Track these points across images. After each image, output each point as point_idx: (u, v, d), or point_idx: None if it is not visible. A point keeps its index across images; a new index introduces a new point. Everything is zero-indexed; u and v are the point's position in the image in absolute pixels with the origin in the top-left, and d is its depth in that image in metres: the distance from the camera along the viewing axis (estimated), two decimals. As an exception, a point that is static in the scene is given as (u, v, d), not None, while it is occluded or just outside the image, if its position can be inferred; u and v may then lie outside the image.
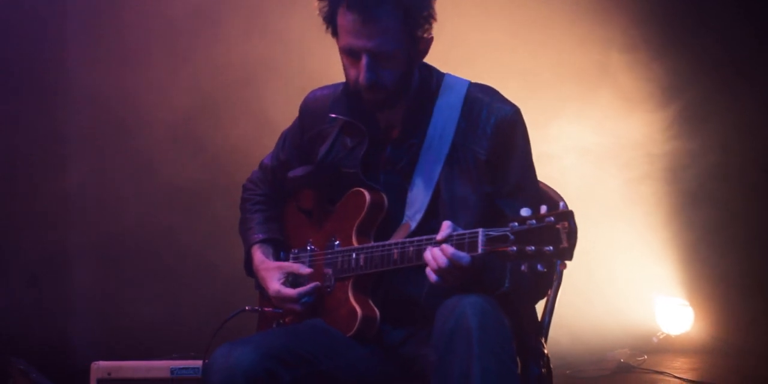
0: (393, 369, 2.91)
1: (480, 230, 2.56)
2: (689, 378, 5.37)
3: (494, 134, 2.87)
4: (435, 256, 2.62)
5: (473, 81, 2.99)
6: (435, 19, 2.84)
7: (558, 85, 6.09)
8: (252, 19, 5.88)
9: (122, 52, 5.82)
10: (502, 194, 2.87)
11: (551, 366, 2.96)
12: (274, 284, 3.04)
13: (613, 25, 6.11)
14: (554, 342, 3.25)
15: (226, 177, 5.44)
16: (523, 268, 2.47)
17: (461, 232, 2.61)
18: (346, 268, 2.92)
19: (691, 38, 6.10)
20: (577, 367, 5.63)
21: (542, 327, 3.10)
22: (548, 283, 3.03)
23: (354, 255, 2.90)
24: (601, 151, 6.12)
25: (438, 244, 2.63)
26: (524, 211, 2.48)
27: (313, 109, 3.12)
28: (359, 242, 2.91)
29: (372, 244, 2.88)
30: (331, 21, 2.85)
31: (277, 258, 3.17)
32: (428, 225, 2.84)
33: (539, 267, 2.45)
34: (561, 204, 2.45)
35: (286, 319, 3.12)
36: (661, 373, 5.53)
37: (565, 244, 2.40)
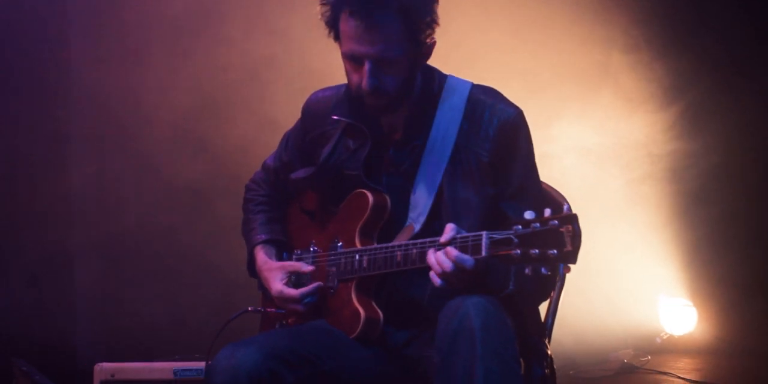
0: (396, 370, 2.91)
1: (484, 233, 2.55)
2: (693, 378, 5.36)
3: (497, 136, 2.87)
4: (439, 259, 2.62)
5: (475, 82, 2.98)
6: (438, 24, 2.83)
7: (559, 85, 6.08)
8: (253, 18, 5.87)
9: (123, 51, 5.81)
10: (505, 196, 2.87)
11: (554, 367, 2.96)
12: (277, 284, 3.03)
13: (615, 25, 6.10)
14: (557, 343, 3.24)
15: (227, 177, 5.44)
16: (527, 271, 2.47)
17: (465, 234, 2.61)
18: (349, 270, 2.91)
19: (692, 38, 6.10)
20: (581, 367, 5.63)
21: (545, 328, 3.10)
22: (552, 285, 3.04)
23: (357, 256, 2.89)
24: (603, 151, 6.12)
25: (441, 246, 2.63)
26: (528, 215, 2.48)
27: (315, 111, 3.12)
28: (362, 244, 2.91)
29: (375, 245, 2.88)
30: (333, 26, 2.84)
31: (280, 259, 3.17)
32: (431, 227, 2.84)
33: (543, 270, 2.45)
34: (565, 207, 2.45)
35: (289, 320, 3.12)
36: (665, 373, 5.52)
37: (569, 248, 2.40)
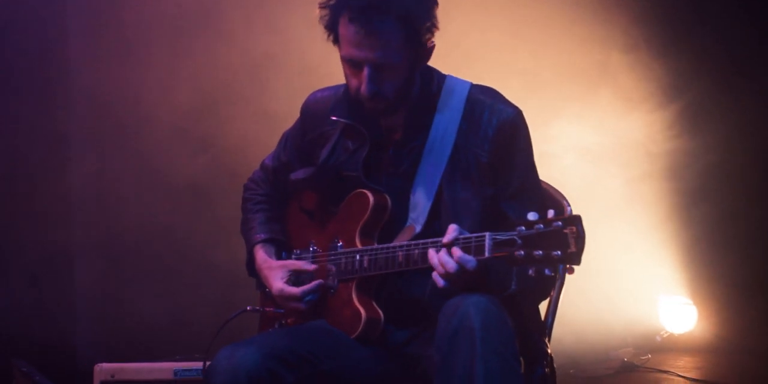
0: (396, 369, 2.91)
1: (487, 234, 2.55)
2: (693, 377, 5.37)
3: (496, 136, 2.87)
4: (442, 259, 2.62)
5: (474, 81, 2.98)
6: (437, 28, 2.84)
7: (558, 84, 6.08)
8: (253, 16, 5.87)
9: (123, 51, 5.81)
10: (505, 196, 2.87)
11: (555, 365, 2.96)
12: (278, 283, 3.03)
13: (614, 24, 6.10)
14: (557, 341, 3.24)
15: (228, 176, 5.44)
16: (530, 272, 2.47)
17: (467, 235, 2.61)
18: (350, 270, 2.91)
19: (691, 38, 6.10)
20: (581, 366, 5.63)
21: (545, 326, 3.10)
22: (552, 284, 3.04)
23: (358, 256, 2.89)
24: (602, 150, 6.12)
25: (444, 247, 2.63)
26: (531, 216, 2.48)
27: (314, 111, 3.12)
28: (363, 244, 2.91)
29: (376, 246, 2.88)
30: (332, 29, 2.84)
31: (279, 258, 3.17)
32: (432, 228, 2.84)
33: (547, 271, 2.45)
34: (568, 209, 2.45)
35: (289, 320, 3.12)
36: (665, 372, 5.53)
37: (573, 249, 2.40)
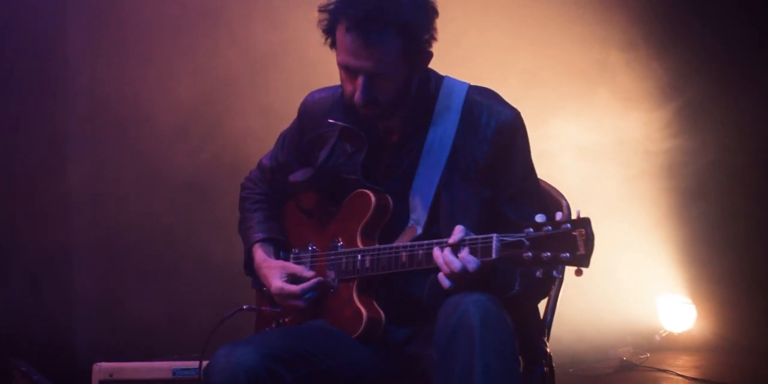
0: (395, 368, 2.92)
1: (494, 235, 2.56)
2: (692, 376, 5.37)
3: (495, 138, 2.86)
4: (447, 260, 2.62)
5: (473, 80, 2.98)
6: (436, 40, 2.83)
7: (557, 83, 6.08)
8: (253, 14, 5.86)
9: (122, 51, 5.81)
10: (504, 198, 2.87)
11: (553, 364, 2.97)
12: (277, 281, 3.03)
13: (613, 23, 6.10)
14: (556, 340, 3.24)
15: (228, 175, 5.43)
16: (538, 274, 2.47)
17: (474, 236, 2.62)
18: (351, 270, 2.91)
19: (690, 37, 6.10)
20: (580, 365, 5.63)
21: (544, 325, 3.10)
22: (553, 284, 3.04)
23: (359, 256, 2.89)
24: (600, 149, 6.12)
25: (449, 247, 2.63)
26: (539, 217, 2.48)
27: (312, 112, 3.12)
28: (364, 244, 2.91)
29: (378, 246, 2.88)
30: (330, 34, 2.84)
31: (278, 258, 3.16)
32: (432, 229, 2.84)
33: (555, 273, 2.46)
34: (577, 211, 2.45)
35: (286, 319, 3.12)
36: (664, 371, 5.53)
37: (582, 251, 2.41)
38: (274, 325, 3.15)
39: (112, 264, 5.77)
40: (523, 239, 2.48)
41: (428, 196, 2.87)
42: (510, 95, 2.98)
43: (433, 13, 2.82)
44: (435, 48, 2.87)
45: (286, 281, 3.03)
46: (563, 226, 2.43)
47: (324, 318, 2.98)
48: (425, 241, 2.74)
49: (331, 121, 3.01)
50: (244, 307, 3.19)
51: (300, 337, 2.84)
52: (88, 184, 5.77)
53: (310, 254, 3.09)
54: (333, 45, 2.85)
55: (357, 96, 2.80)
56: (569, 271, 2.48)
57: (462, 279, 2.61)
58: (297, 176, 3.11)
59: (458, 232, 2.64)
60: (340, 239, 2.98)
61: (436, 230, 2.80)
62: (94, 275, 5.74)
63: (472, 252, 2.58)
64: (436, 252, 2.65)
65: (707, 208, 6.07)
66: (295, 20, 5.64)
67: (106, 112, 5.80)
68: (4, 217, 5.35)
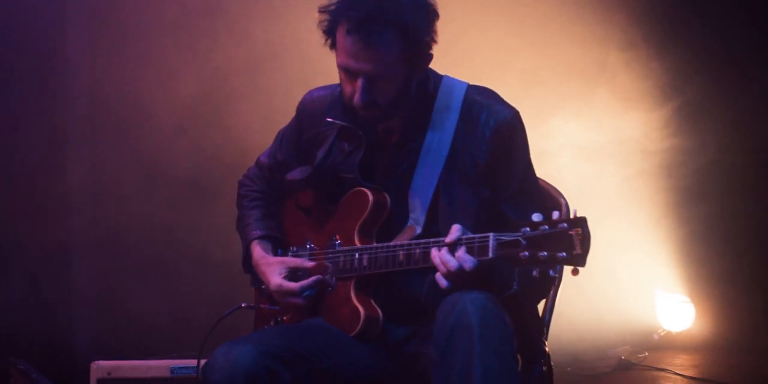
0: (394, 366, 2.91)
1: (491, 234, 2.55)
2: (690, 375, 5.37)
3: (493, 138, 2.86)
4: (443, 258, 2.62)
5: (472, 79, 2.98)
6: (436, 42, 2.83)
7: (557, 83, 6.09)
8: (254, 14, 5.86)
9: (122, 50, 5.80)
10: (504, 197, 2.87)
11: (552, 363, 2.97)
12: (276, 278, 3.03)
13: (613, 23, 6.10)
14: (555, 339, 3.25)
15: (228, 175, 5.42)
16: (534, 273, 2.47)
17: (470, 235, 2.61)
18: (348, 268, 2.91)
19: (690, 37, 6.10)
20: (578, 364, 5.63)
21: (543, 325, 3.11)
22: (552, 284, 3.04)
23: (357, 255, 2.89)
24: (599, 148, 6.12)
25: (446, 246, 2.63)
26: (536, 217, 2.48)
27: (310, 111, 3.11)
28: (361, 242, 2.91)
29: (375, 244, 2.88)
30: (330, 35, 2.84)
31: (276, 255, 3.16)
32: (431, 229, 2.84)
33: (551, 272, 2.46)
34: (574, 210, 2.45)
35: (285, 317, 3.12)
36: (662, 370, 5.53)
37: (578, 251, 2.41)
38: (272, 324, 3.15)
39: (111, 264, 5.77)
40: (519, 238, 2.48)
41: (427, 196, 2.87)
42: (509, 95, 2.98)
43: (434, 15, 2.82)
44: (434, 47, 2.87)
45: (285, 278, 3.03)
46: (560, 225, 2.43)
47: (322, 316, 2.98)
48: (422, 240, 2.74)
49: (329, 119, 3.00)
50: (243, 304, 3.18)
51: (299, 335, 2.84)
52: (88, 184, 5.77)
53: (308, 252, 3.09)
54: (333, 46, 2.84)
55: (357, 98, 2.80)
56: (566, 270, 2.48)
57: (459, 278, 2.61)
58: (295, 175, 3.11)
59: (455, 231, 2.64)
60: (337, 237, 2.98)
61: (436, 230, 2.80)
62: (93, 275, 5.74)
63: (469, 251, 2.58)
64: (434, 251, 2.65)
65: (706, 208, 6.07)
66: (295, 19, 5.64)
67: (106, 112, 5.79)
68: (4, 217, 5.35)
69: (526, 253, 2.46)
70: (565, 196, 3.22)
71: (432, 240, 2.70)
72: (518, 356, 2.68)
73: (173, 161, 5.75)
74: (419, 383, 2.83)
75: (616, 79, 6.15)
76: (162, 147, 5.76)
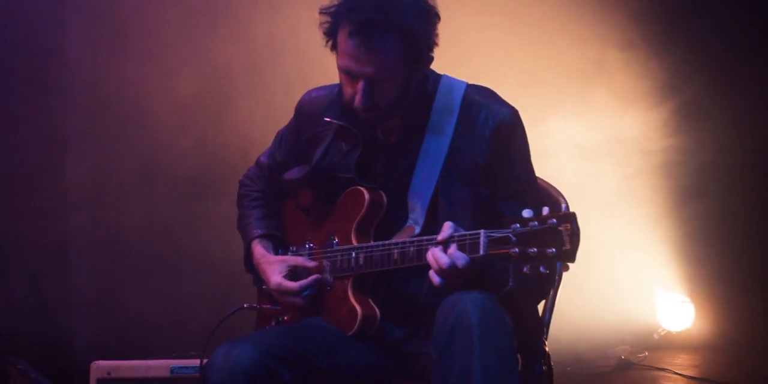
0: (393, 366, 2.92)
1: (482, 231, 2.55)
2: (690, 374, 5.37)
3: (493, 137, 2.86)
4: (436, 256, 2.62)
5: (471, 78, 2.98)
6: (437, 45, 2.83)
7: (555, 82, 6.08)
8: (254, 13, 5.86)
9: (122, 50, 5.81)
10: (503, 197, 2.88)
11: (552, 363, 2.97)
12: (276, 277, 3.03)
13: (612, 23, 6.10)
14: (555, 339, 3.25)
15: (228, 175, 5.42)
16: (525, 269, 2.47)
17: (462, 233, 2.61)
18: (346, 267, 2.92)
19: (689, 36, 6.10)
20: (578, 363, 5.63)
21: (543, 324, 3.10)
22: (551, 283, 3.05)
23: (353, 254, 2.90)
24: (597, 148, 6.12)
25: (439, 244, 2.63)
26: (526, 213, 2.48)
27: (309, 111, 3.12)
28: (358, 241, 2.92)
29: (371, 243, 2.88)
30: (331, 37, 2.84)
31: (276, 254, 3.17)
32: (430, 229, 2.84)
33: (542, 269, 2.45)
34: (563, 206, 2.45)
35: (285, 317, 3.12)
36: (662, 369, 5.53)
37: (567, 246, 2.40)
38: (273, 323, 3.16)
39: (111, 263, 5.77)
40: (509, 235, 2.48)
41: (426, 196, 2.87)
42: (508, 94, 2.98)
43: (435, 18, 2.82)
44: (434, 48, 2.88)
45: (285, 276, 3.03)
46: (549, 221, 2.43)
47: (321, 316, 2.98)
48: (416, 238, 2.74)
49: (327, 119, 3.00)
50: (245, 305, 3.19)
51: (299, 335, 2.85)
52: (88, 184, 5.77)
53: (307, 252, 3.09)
54: (334, 47, 2.84)
55: (357, 100, 2.80)
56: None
57: (451, 275, 2.61)
58: (292, 174, 3.12)
59: (447, 228, 2.64)
60: (335, 237, 2.99)
61: (435, 230, 2.78)
62: (93, 275, 5.74)
63: (461, 248, 2.58)
64: (428, 251, 2.65)
65: (705, 207, 6.07)
66: (295, 18, 5.64)
67: (106, 112, 5.80)
68: (4, 217, 5.35)
69: (516, 250, 2.46)
70: (564, 196, 3.22)
71: (425, 238, 2.71)
72: (518, 356, 2.68)
73: (173, 161, 5.76)
74: (419, 383, 2.84)
75: (615, 78, 6.14)
76: (162, 146, 5.76)
